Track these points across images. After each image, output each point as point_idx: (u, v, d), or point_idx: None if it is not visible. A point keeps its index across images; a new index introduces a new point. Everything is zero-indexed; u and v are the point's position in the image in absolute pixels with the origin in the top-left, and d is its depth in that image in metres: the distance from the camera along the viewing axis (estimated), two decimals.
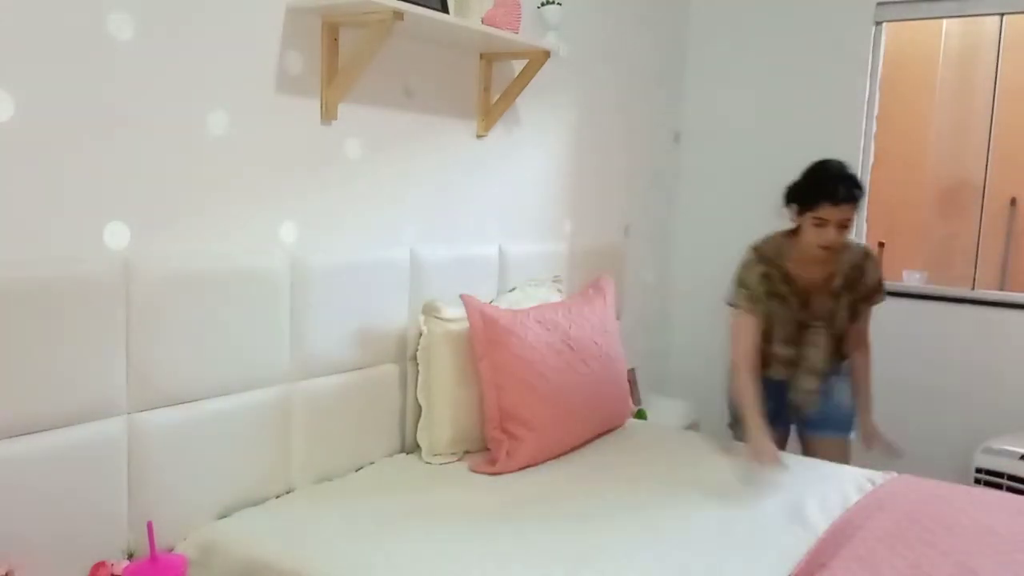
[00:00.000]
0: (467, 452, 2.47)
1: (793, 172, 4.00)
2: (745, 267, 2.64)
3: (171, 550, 1.90)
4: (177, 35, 1.91)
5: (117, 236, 1.84)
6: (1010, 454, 3.02)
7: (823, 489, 2.27)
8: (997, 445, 3.08)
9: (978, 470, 3.08)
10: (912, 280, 3.75)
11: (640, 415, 3.40)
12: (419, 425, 2.44)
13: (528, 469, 2.35)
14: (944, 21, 3.81)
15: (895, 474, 2.44)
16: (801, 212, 2.51)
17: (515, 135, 2.99)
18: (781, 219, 2.64)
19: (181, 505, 1.93)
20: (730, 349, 2.65)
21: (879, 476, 2.41)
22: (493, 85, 2.83)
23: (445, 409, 2.40)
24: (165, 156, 1.91)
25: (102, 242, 1.82)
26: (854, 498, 2.22)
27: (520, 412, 2.36)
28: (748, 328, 2.60)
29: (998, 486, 2.99)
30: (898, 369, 3.58)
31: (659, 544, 1.89)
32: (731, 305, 2.66)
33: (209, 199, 2.02)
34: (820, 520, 2.06)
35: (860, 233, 3.67)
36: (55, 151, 1.72)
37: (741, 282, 2.63)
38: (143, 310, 1.83)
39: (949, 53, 3.89)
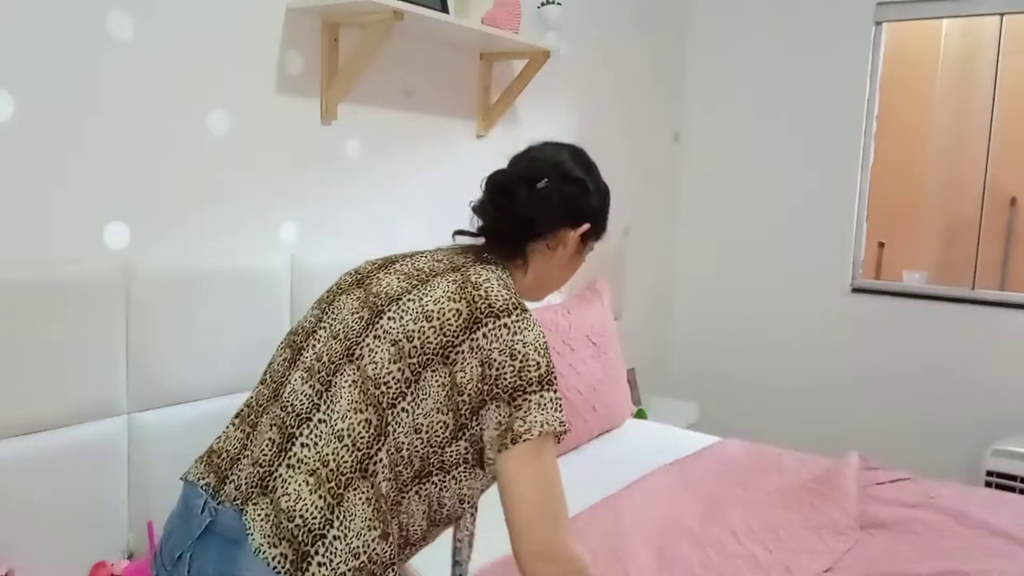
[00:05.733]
0: None
1: (793, 172, 3.98)
2: (541, 342, 1.28)
3: None
4: (177, 35, 1.91)
5: (117, 236, 1.84)
6: (1022, 456, 2.99)
7: None
8: (1006, 447, 3.04)
9: (989, 473, 3.05)
10: (912, 280, 3.74)
11: (640, 415, 3.40)
12: None
13: None
14: (944, 21, 3.81)
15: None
16: (586, 239, 1.47)
17: (515, 135, 2.99)
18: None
19: None
20: (549, 532, 1.25)
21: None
22: (493, 85, 2.83)
23: None
24: (165, 156, 1.92)
25: (102, 242, 1.82)
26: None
27: None
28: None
29: (1011, 489, 2.95)
30: (899, 370, 3.58)
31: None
32: (550, 432, 1.24)
33: (209, 199, 2.02)
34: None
35: (860, 233, 3.67)
36: (55, 151, 1.72)
37: (551, 375, 1.27)
38: (143, 310, 1.83)
39: (949, 53, 3.89)
